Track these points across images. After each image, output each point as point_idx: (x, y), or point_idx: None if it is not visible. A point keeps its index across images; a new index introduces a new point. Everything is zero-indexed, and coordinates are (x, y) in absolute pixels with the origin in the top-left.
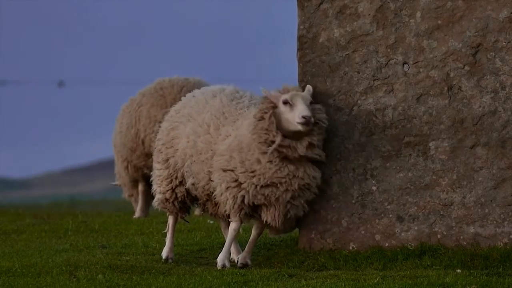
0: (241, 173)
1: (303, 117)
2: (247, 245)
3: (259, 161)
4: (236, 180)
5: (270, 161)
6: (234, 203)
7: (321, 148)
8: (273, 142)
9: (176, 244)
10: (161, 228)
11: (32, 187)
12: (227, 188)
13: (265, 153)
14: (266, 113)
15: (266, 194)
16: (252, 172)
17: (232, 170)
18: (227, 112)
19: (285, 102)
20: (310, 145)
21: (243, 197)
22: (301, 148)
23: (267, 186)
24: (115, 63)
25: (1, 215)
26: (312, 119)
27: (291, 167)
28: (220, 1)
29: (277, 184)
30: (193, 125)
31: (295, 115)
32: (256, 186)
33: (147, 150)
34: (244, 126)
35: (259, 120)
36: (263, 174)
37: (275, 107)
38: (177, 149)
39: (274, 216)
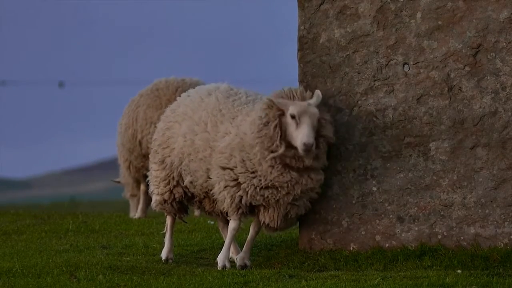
0: (241, 173)
1: (304, 144)
2: (245, 245)
3: (260, 163)
4: (236, 180)
5: (272, 166)
6: (232, 202)
7: (325, 156)
8: (275, 151)
9: (176, 245)
10: (162, 228)
11: (33, 187)
12: (225, 187)
13: (268, 158)
14: (272, 121)
15: (265, 196)
16: (253, 173)
17: (231, 169)
18: (224, 108)
19: (292, 117)
20: (316, 157)
21: (241, 197)
22: (307, 160)
23: (267, 187)
24: (116, 63)
25: (1, 216)
26: (314, 146)
27: (294, 174)
28: (220, 2)
29: (278, 187)
30: (190, 123)
31: (298, 137)
32: (255, 187)
33: (144, 151)
34: (246, 124)
35: (264, 125)
36: (264, 176)
37: (282, 114)
38: (173, 148)
39: (273, 217)
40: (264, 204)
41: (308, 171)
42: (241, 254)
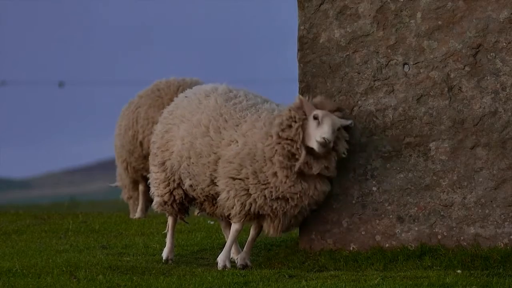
0: (252, 184)
1: (324, 138)
2: (245, 245)
3: (275, 175)
4: (246, 190)
5: (287, 176)
6: (241, 210)
7: (335, 170)
8: (294, 154)
9: (176, 245)
10: (162, 228)
11: (32, 187)
12: (235, 196)
13: (285, 168)
14: (295, 122)
15: (274, 207)
16: (265, 184)
17: (242, 179)
18: (226, 113)
19: (315, 118)
20: (326, 168)
21: (251, 205)
22: (315, 168)
23: (277, 198)
24: (116, 63)
25: (1, 216)
26: (331, 144)
27: (305, 184)
28: (221, 2)
29: (288, 199)
30: (188, 126)
31: (317, 133)
32: (266, 198)
33: (145, 152)
34: (256, 134)
35: (285, 128)
36: (277, 187)
37: (305, 119)
38: (173, 152)
39: (277, 228)
40: (271, 214)
41: (316, 182)
42: (242, 254)
